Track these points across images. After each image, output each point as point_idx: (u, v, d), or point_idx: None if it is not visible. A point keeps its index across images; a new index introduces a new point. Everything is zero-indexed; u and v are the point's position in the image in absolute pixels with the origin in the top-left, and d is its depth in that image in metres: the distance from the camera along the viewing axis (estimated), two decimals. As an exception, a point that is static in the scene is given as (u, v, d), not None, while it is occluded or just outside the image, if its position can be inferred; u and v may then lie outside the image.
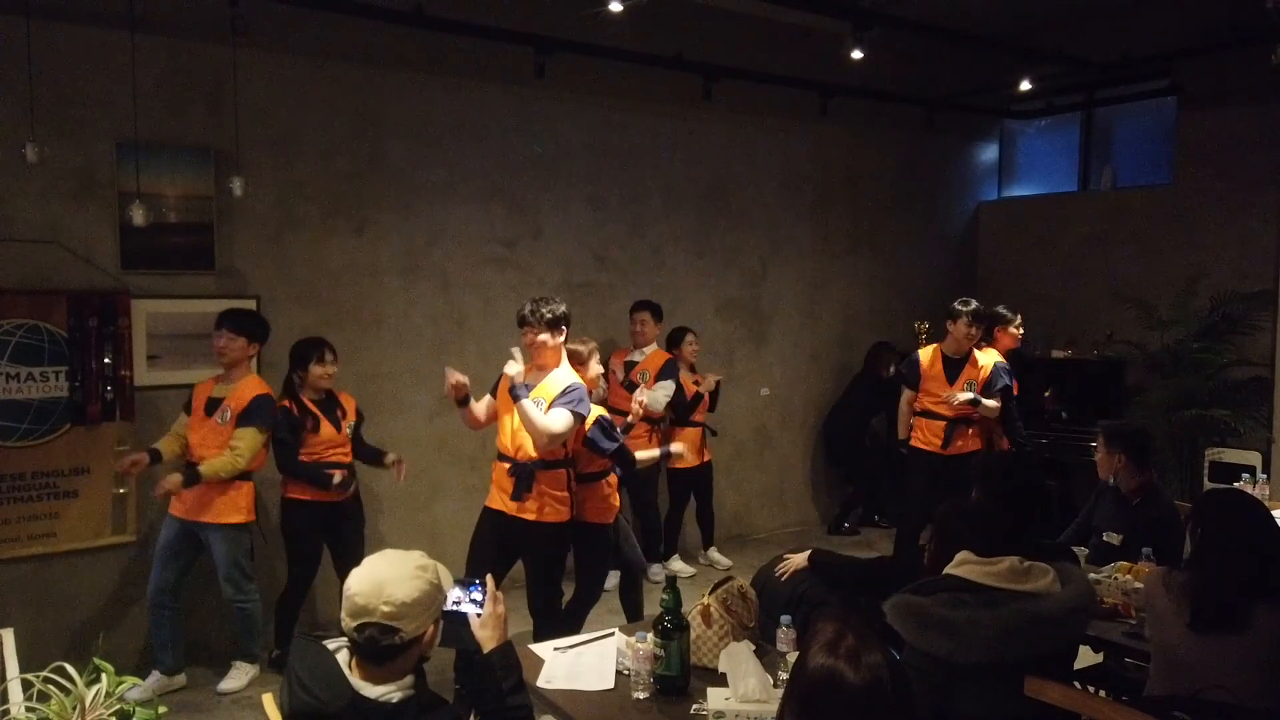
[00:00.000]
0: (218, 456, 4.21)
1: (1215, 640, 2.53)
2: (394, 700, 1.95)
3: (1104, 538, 3.89)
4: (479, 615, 2.25)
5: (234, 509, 4.30)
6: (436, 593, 2.02)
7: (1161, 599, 2.69)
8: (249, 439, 4.25)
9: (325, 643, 2.04)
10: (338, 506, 4.55)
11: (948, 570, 2.61)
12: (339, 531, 4.59)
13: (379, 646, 1.92)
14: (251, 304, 4.93)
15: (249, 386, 4.34)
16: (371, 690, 1.94)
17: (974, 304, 5.44)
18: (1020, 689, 2.49)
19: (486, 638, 2.23)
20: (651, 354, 5.79)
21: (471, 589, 2.30)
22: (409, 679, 2.00)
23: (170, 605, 4.32)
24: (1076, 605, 2.56)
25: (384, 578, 1.95)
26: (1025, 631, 2.44)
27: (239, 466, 4.21)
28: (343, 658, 2.00)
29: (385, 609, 1.91)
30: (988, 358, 5.47)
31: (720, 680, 2.63)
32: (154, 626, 4.34)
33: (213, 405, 4.31)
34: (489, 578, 2.32)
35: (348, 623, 1.95)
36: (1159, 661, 2.70)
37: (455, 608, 2.25)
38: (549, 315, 3.94)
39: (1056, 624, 2.51)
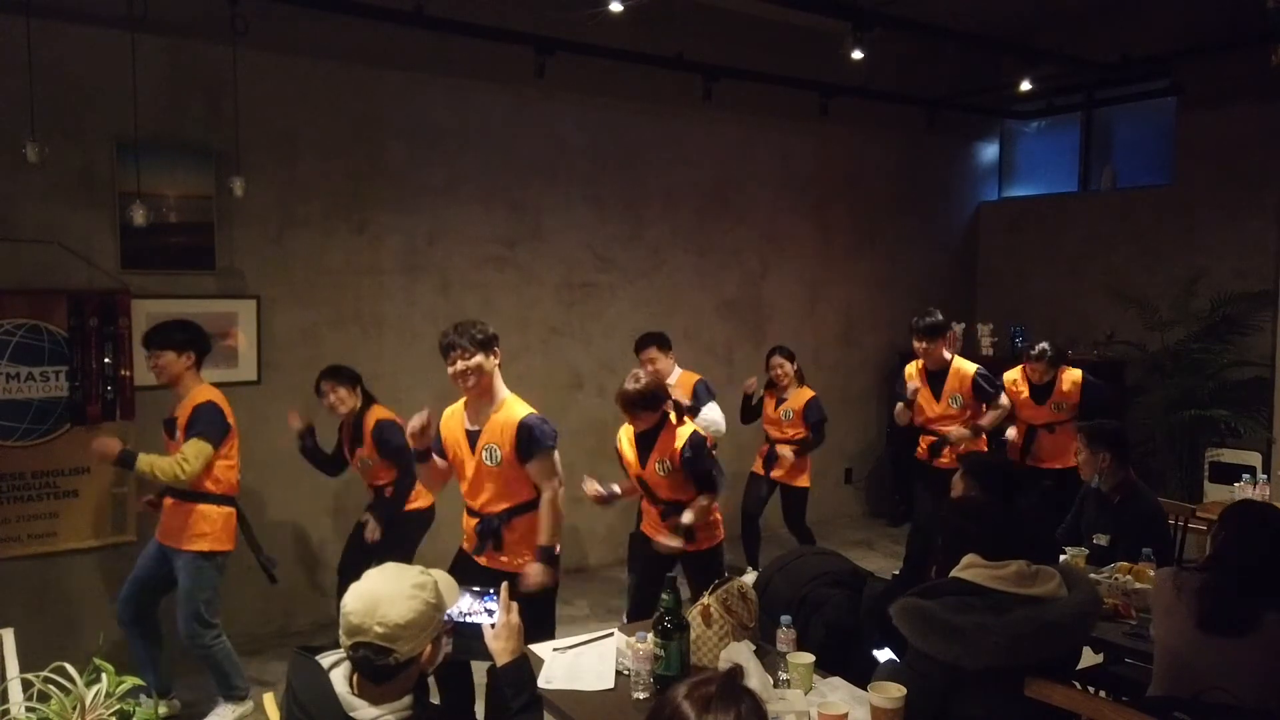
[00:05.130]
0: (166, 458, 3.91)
1: (1223, 643, 2.53)
2: None
3: (1094, 540, 3.92)
4: (493, 626, 2.19)
5: (201, 535, 3.92)
6: (434, 612, 1.94)
7: (1169, 599, 2.69)
8: (193, 449, 3.84)
9: (321, 657, 1.99)
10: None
11: (954, 573, 2.59)
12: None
13: (373, 666, 1.87)
14: (252, 304, 4.94)
15: (194, 397, 3.95)
16: (366, 712, 1.90)
17: (927, 320, 5.30)
18: (1022, 691, 2.48)
19: (500, 649, 2.16)
20: (679, 379, 5.33)
21: (485, 598, 2.23)
22: (407, 699, 1.94)
23: (132, 623, 4.03)
24: (1084, 610, 2.54)
25: (379, 597, 1.89)
26: (1034, 637, 2.42)
27: (178, 473, 3.80)
28: (344, 671, 1.96)
29: (379, 630, 1.85)
30: (967, 365, 5.38)
31: (720, 680, 2.62)
32: (130, 643, 4.06)
33: (170, 426, 4.03)
34: (504, 586, 2.25)
35: (343, 640, 1.91)
36: (1163, 662, 2.70)
37: (467, 619, 2.18)
38: (480, 335, 3.33)
39: (1065, 629, 2.50)
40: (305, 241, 5.13)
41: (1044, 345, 5.56)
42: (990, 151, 8.39)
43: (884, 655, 3.12)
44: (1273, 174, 6.40)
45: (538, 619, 3.37)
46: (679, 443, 3.87)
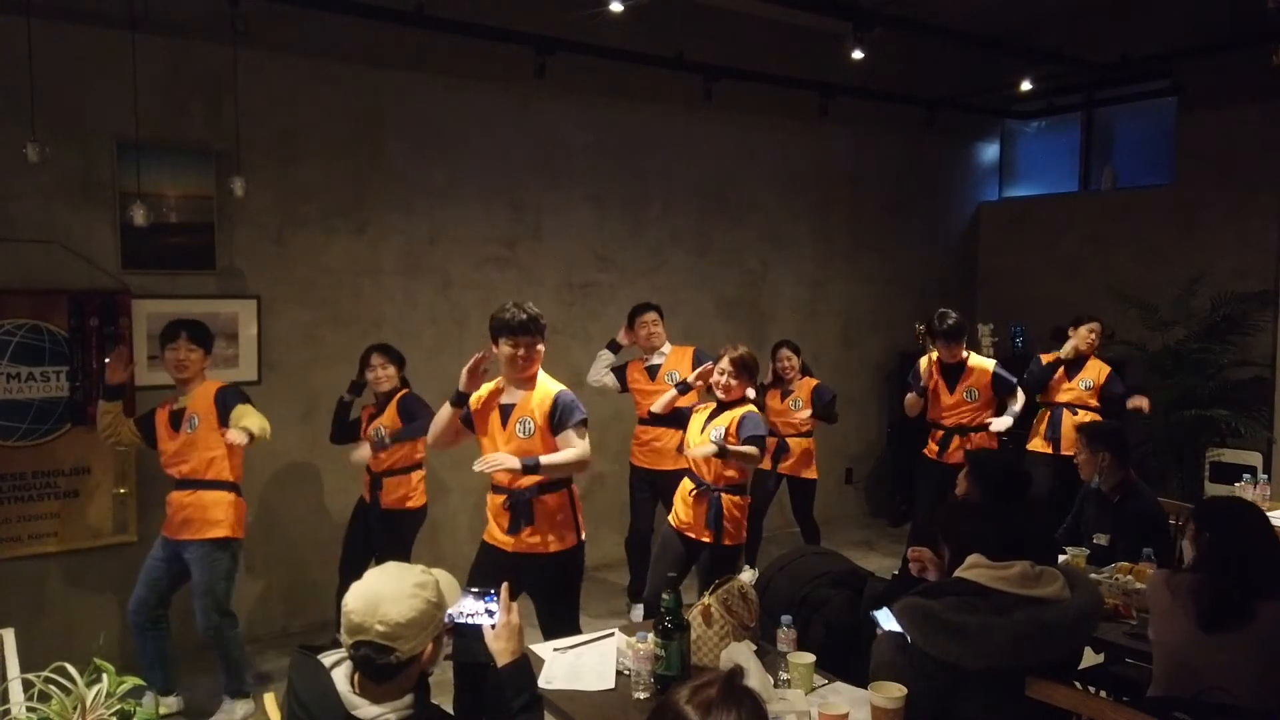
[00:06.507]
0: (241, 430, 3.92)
1: (1223, 639, 2.54)
2: None
3: (1095, 540, 3.93)
4: (493, 627, 2.19)
5: (214, 523, 3.99)
6: (435, 611, 1.96)
7: (1165, 601, 2.69)
8: (248, 411, 3.97)
9: (322, 656, 2.00)
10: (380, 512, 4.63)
11: (958, 573, 2.59)
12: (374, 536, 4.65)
13: (375, 665, 1.88)
14: (252, 304, 4.94)
15: (207, 388, 4.06)
16: (368, 711, 1.91)
17: (948, 324, 5.30)
18: (1022, 691, 2.49)
19: (500, 650, 2.17)
20: (672, 352, 5.33)
21: (487, 599, 2.23)
22: (408, 698, 1.96)
23: (150, 626, 4.08)
24: (1086, 613, 2.56)
25: (380, 596, 1.90)
26: (1037, 638, 2.43)
27: (266, 426, 3.94)
28: (345, 670, 1.97)
29: (380, 628, 1.87)
30: (985, 362, 5.44)
31: (720, 680, 2.63)
32: (137, 644, 4.12)
33: (176, 419, 4.06)
34: (504, 587, 2.25)
35: (345, 640, 1.92)
36: (1164, 664, 2.70)
37: (468, 620, 2.18)
38: (544, 322, 3.55)
39: (1068, 631, 2.51)
40: (305, 241, 5.13)
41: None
42: (990, 151, 8.39)
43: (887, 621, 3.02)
44: (1273, 174, 6.39)
45: (563, 615, 3.56)
46: (738, 415, 4.00)
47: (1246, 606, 2.55)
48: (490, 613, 2.22)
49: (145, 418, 4.18)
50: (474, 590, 2.25)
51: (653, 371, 5.30)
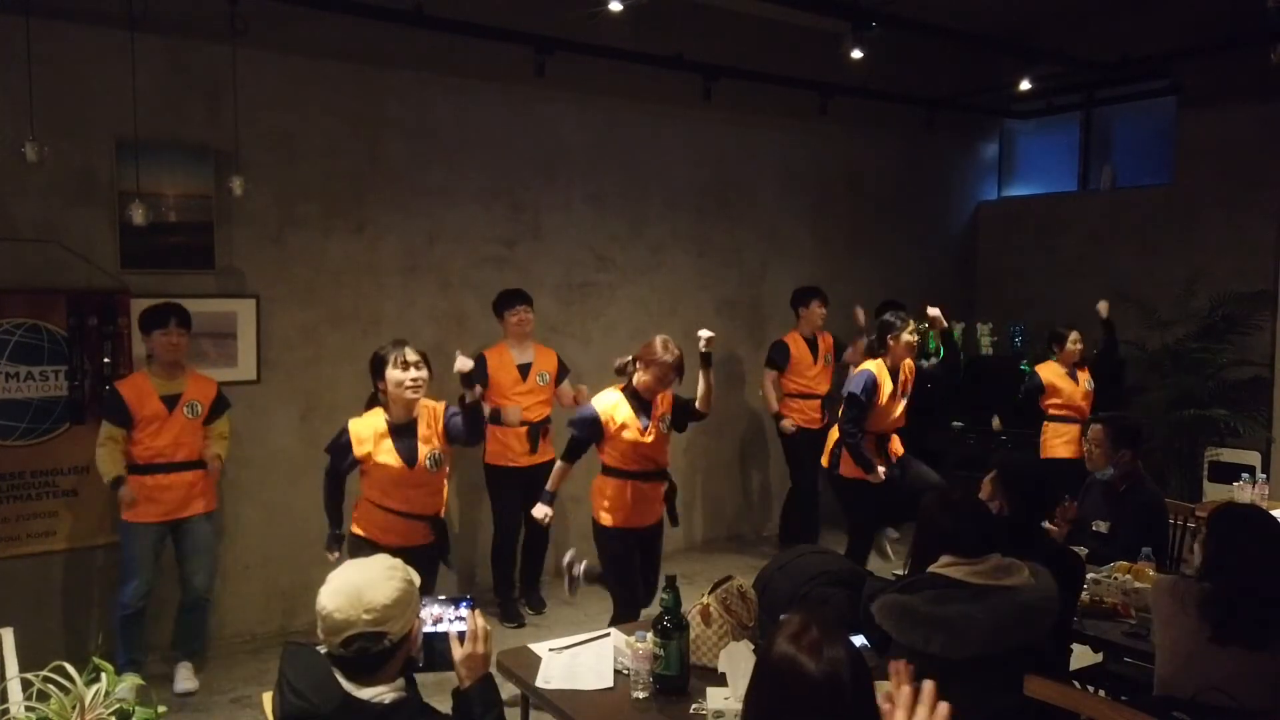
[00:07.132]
0: (212, 447, 4.42)
1: (1236, 652, 2.51)
2: (386, 701, 1.93)
3: (1093, 526, 3.97)
4: (459, 634, 2.14)
5: (213, 495, 4.50)
6: (411, 589, 2.02)
7: (1169, 610, 2.67)
8: (225, 427, 4.52)
9: (319, 647, 2.01)
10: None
11: (932, 569, 2.62)
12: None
13: (370, 656, 1.89)
14: (251, 303, 4.94)
15: (206, 380, 4.47)
16: (363, 691, 1.92)
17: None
18: (1007, 682, 2.50)
19: (469, 671, 2.12)
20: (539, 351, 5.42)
21: (460, 604, 2.19)
22: (400, 681, 1.98)
23: (144, 609, 4.31)
24: (1049, 595, 2.63)
25: (358, 585, 1.92)
26: (1014, 620, 2.50)
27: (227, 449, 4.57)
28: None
29: (367, 617, 1.88)
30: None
31: (720, 680, 2.63)
32: (132, 631, 4.27)
33: (172, 402, 4.28)
34: (479, 615, 2.17)
35: (330, 641, 1.91)
36: (1167, 667, 2.68)
37: (435, 628, 2.15)
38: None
39: (1039, 611, 2.58)
40: (305, 241, 5.13)
41: None
42: (990, 151, 8.39)
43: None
44: (1273, 174, 6.39)
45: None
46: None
47: (1261, 622, 2.50)
48: (460, 618, 2.17)
49: (112, 399, 4.26)
50: (441, 598, 2.22)
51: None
